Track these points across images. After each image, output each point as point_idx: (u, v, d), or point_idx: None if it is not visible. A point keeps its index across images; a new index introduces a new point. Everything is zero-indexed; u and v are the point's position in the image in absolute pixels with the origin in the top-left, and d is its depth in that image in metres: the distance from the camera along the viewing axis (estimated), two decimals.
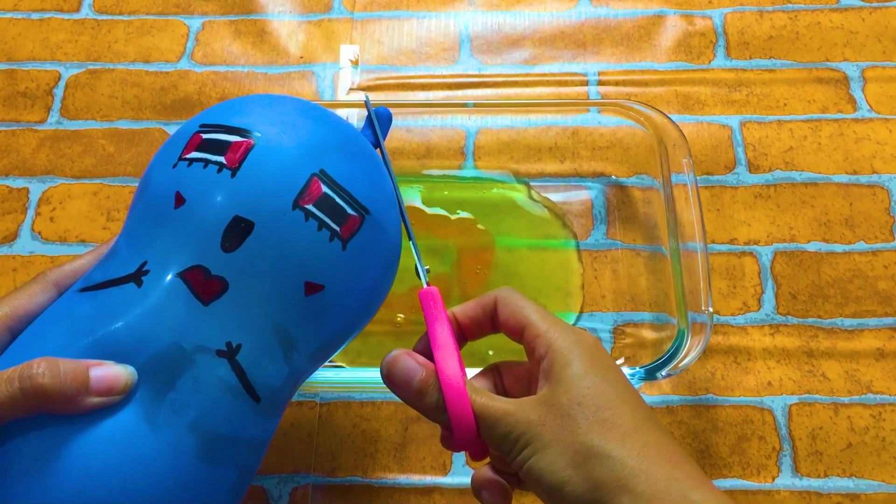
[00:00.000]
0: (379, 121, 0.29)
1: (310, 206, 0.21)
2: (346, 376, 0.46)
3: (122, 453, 0.19)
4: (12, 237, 0.53)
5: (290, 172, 0.22)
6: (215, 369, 0.21)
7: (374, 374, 0.45)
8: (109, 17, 0.62)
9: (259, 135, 0.22)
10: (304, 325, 0.23)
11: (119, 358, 0.21)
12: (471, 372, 0.45)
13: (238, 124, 0.23)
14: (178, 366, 0.20)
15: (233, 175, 0.22)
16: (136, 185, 0.54)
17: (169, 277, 0.22)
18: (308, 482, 0.45)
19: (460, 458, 0.46)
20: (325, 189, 0.22)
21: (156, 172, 0.23)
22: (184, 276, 0.22)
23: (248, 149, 0.22)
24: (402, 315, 0.49)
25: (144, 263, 0.22)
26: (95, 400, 0.22)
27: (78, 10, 0.62)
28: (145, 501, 0.19)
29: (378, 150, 0.28)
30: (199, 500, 0.20)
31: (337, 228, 0.22)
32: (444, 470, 0.46)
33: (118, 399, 0.21)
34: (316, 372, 0.44)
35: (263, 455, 0.23)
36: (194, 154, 0.22)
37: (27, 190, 0.55)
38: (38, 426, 0.20)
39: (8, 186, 0.55)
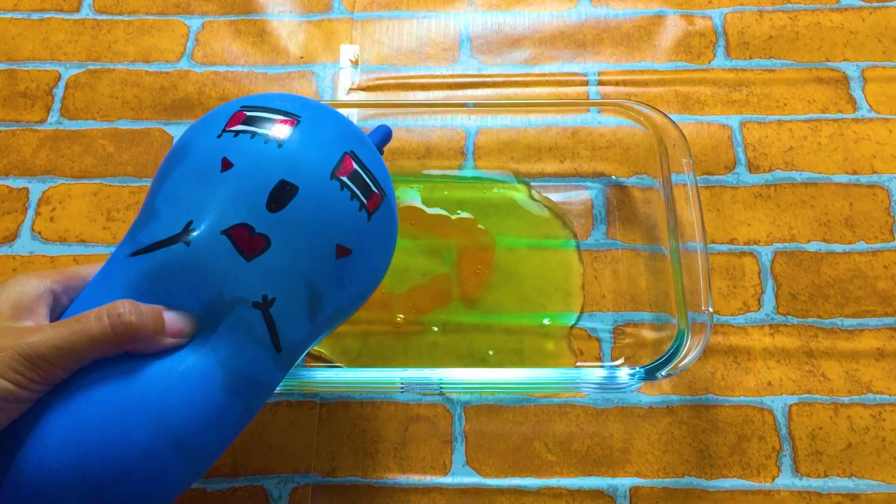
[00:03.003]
0: (379, 134, 0.31)
1: (344, 178, 0.24)
2: (346, 376, 0.46)
3: (178, 383, 0.23)
4: (12, 237, 0.53)
5: (328, 148, 0.25)
6: (249, 319, 0.24)
7: (374, 375, 0.45)
8: (109, 17, 0.62)
9: (300, 116, 0.25)
10: (332, 285, 0.25)
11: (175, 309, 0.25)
12: (468, 373, 0.45)
13: (279, 107, 0.25)
14: (218, 314, 0.24)
15: (279, 146, 0.24)
16: (136, 184, 0.54)
17: (215, 235, 0.24)
18: (308, 482, 0.45)
19: (460, 457, 0.46)
20: (355, 166, 0.25)
21: (199, 141, 0.25)
22: (229, 232, 0.24)
23: (293, 125, 0.24)
24: (402, 315, 0.49)
25: (190, 223, 0.24)
26: (169, 340, 0.25)
27: (78, 10, 0.62)
28: (185, 420, 0.23)
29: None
30: (216, 422, 0.24)
31: (365, 201, 0.25)
32: (444, 470, 0.46)
33: (184, 341, 0.25)
34: (316, 372, 0.44)
35: (265, 401, 0.27)
36: (240, 127, 0.24)
37: (27, 190, 0.55)
38: (117, 363, 0.24)
39: (8, 186, 0.55)
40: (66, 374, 0.27)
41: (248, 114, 0.25)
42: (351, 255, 0.24)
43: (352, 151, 0.25)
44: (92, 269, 0.29)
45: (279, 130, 0.24)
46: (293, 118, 0.24)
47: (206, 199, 0.24)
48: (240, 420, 0.26)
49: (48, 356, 0.26)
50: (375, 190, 0.25)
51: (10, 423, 0.26)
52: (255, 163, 0.24)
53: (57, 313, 0.29)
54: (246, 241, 0.24)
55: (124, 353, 0.26)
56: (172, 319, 0.26)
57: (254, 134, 0.24)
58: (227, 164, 0.24)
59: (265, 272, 0.24)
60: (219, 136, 0.25)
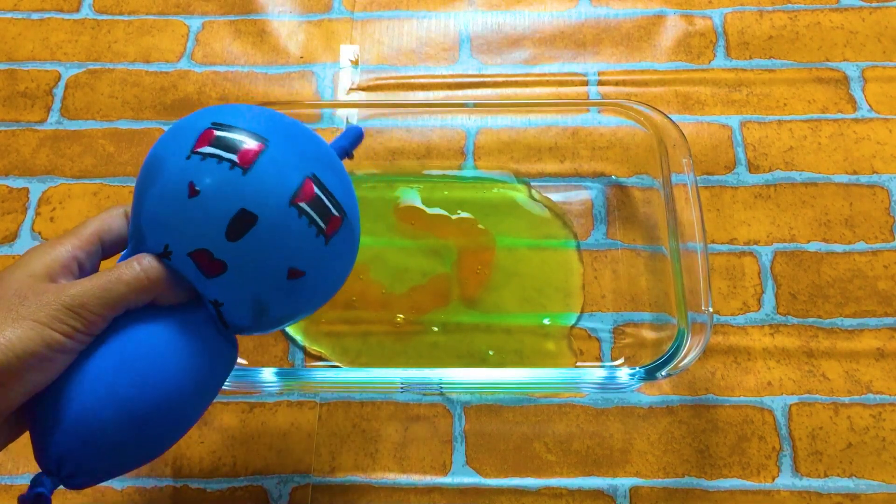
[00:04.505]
0: (350, 136, 0.33)
1: (303, 204, 0.26)
2: (346, 376, 0.46)
3: (188, 331, 0.29)
4: (12, 237, 0.53)
5: (291, 173, 0.26)
6: (209, 307, 0.29)
7: (374, 375, 0.45)
8: (109, 17, 0.62)
9: (268, 139, 0.26)
10: (280, 301, 0.29)
11: None
12: (468, 373, 0.45)
13: (249, 128, 0.27)
14: (195, 300, 0.30)
15: (244, 173, 0.26)
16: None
17: (183, 256, 0.28)
18: (308, 482, 0.45)
19: (460, 457, 0.46)
20: (316, 190, 0.26)
21: (170, 162, 0.27)
22: (193, 255, 0.28)
23: (260, 151, 0.26)
24: (402, 315, 0.49)
25: (167, 245, 0.28)
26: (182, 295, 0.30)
27: (78, 10, 0.62)
28: (198, 359, 0.29)
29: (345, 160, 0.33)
30: (215, 363, 0.30)
31: (323, 226, 0.27)
32: (444, 470, 0.46)
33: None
34: (316, 372, 0.44)
35: (227, 370, 0.31)
36: (207, 149, 0.26)
37: (27, 190, 0.55)
38: (140, 321, 0.28)
39: (8, 186, 0.55)
40: (105, 323, 0.29)
41: (217, 133, 0.27)
42: (305, 276, 0.28)
43: (314, 175, 0.26)
44: (103, 224, 0.32)
45: (244, 156, 0.26)
46: (260, 141, 0.26)
47: (177, 224, 0.28)
48: (226, 362, 0.31)
49: (90, 304, 0.28)
50: (336, 213, 0.27)
51: (58, 375, 0.29)
52: (219, 191, 0.26)
53: (82, 277, 0.32)
54: (206, 264, 0.28)
55: (144, 311, 0.29)
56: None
57: (220, 159, 0.26)
58: (193, 191, 0.26)
59: (220, 287, 0.28)
60: (188, 158, 0.27)
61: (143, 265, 0.30)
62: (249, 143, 0.26)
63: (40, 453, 0.28)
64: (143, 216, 0.29)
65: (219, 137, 0.26)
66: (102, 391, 0.28)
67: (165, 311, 0.29)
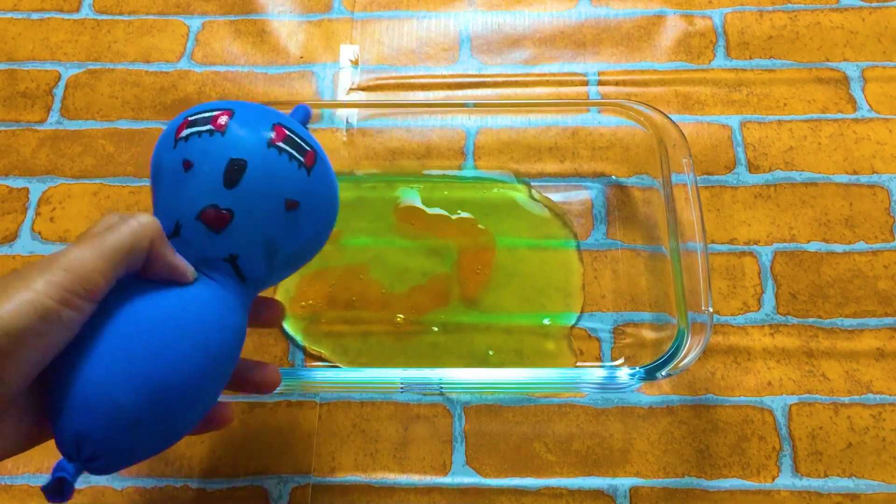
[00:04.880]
0: (300, 113, 0.36)
1: (280, 143, 0.29)
2: (346, 376, 0.46)
3: (193, 303, 0.30)
4: (12, 237, 0.53)
5: (261, 124, 0.30)
6: (224, 267, 0.31)
7: (374, 374, 0.45)
8: (109, 17, 0.62)
9: (233, 108, 0.30)
10: (285, 234, 0.30)
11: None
12: (468, 373, 0.45)
13: (213, 106, 0.31)
14: (203, 265, 0.31)
15: (223, 134, 0.29)
16: (136, 184, 0.54)
17: (192, 222, 0.30)
18: (308, 482, 0.45)
19: (460, 457, 0.46)
20: (286, 132, 0.30)
21: (163, 158, 0.31)
22: (201, 217, 0.30)
23: (230, 115, 0.30)
24: (402, 315, 0.49)
25: (177, 221, 0.31)
26: (179, 261, 0.30)
27: (78, 10, 0.62)
28: (207, 330, 0.30)
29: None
30: (226, 335, 0.30)
31: (302, 159, 0.30)
32: (444, 470, 0.46)
33: (190, 279, 0.30)
34: (316, 372, 0.44)
35: (239, 342, 0.32)
36: (186, 132, 0.30)
37: (27, 190, 0.55)
38: (142, 293, 0.29)
39: (8, 186, 0.55)
40: (106, 285, 0.28)
41: (191, 119, 0.30)
42: (299, 206, 0.30)
43: (279, 122, 0.30)
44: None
45: (216, 122, 0.29)
46: (227, 109, 0.30)
47: (181, 198, 0.30)
48: (237, 335, 0.31)
49: (86, 263, 0.27)
50: (308, 148, 0.30)
51: (58, 351, 0.27)
52: (207, 153, 0.30)
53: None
54: (214, 218, 0.30)
55: (152, 286, 0.30)
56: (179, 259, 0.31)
57: (200, 133, 0.30)
58: (188, 165, 0.30)
59: (231, 238, 0.30)
60: (174, 147, 0.30)
61: (133, 218, 0.29)
62: (219, 113, 0.30)
63: (58, 438, 0.28)
64: (157, 209, 0.32)
65: (193, 121, 0.30)
66: (114, 365, 0.27)
67: (173, 287, 0.30)
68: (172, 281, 0.30)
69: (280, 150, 0.29)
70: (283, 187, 0.30)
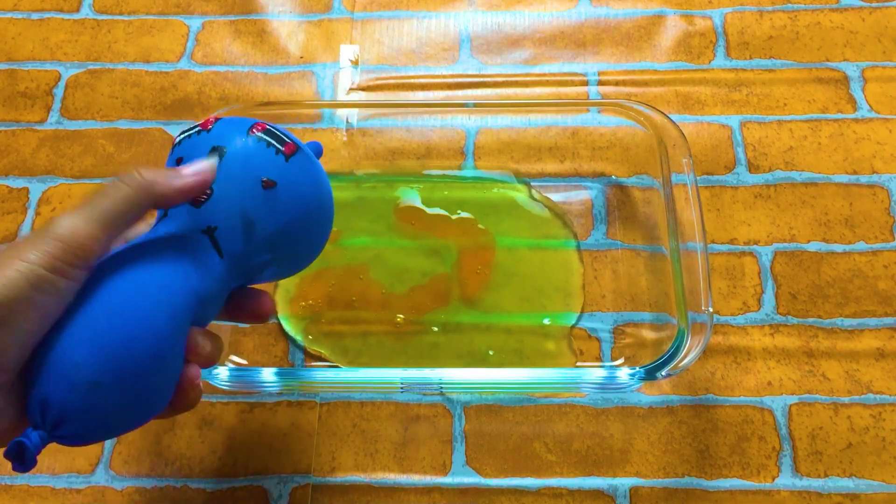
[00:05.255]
0: (313, 147, 0.37)
1: (259, 133, 0.32)
2: (346, 376, 0.46)
3: (170, 275, 0.30)
4: (12, 237, 0.53)
5: (244, 122, 0.32)
6: (202, 240, 0.32)
7: (374, 374, 0.45)
8: (109, 17, 0.62)
9: (221, 114, 0.33)
10: (262, 211, 0.32)
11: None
12: (468, 373, 0.45)
13: (201, 121, 0.33)
14: (184, 238, 0.32)
15: (208, 131, 0.32)
16: None
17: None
18: (308, 482, 0.45)
19: (460, 457, 0.46)
20: (268, 125, 0.32)
21: (168, 160, 0.33)
22: None
23: (216, 118, 0.32)
24: (402, 315, 0.49)
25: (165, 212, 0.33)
26: (189, 179, 0.30)
27: (78, 10, 0.62)
28: (183, 304, 0.30)
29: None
30: (203, 306, 0.32)
31: (280, 147, 0.32)
32: (444, 470, 0.46)
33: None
34: (316, 372, 0.44)
35: (220, 302, 0.34)
36: (180, 137, 0.32)
37: (27, 190, 0.55)
38: (122, 269, 0.29)
39: (8, 186, 0.55)
40: (101, 251, 0.28)
41: (183, 133, 0.33)
42: (276, 186, 0.31)
43: (259, 123, 0.32)
44: None
45: (204, 125, 0.32)
46: (214, 116, 0.33)
47: None
48: (204, 302, 0.32)
49: (81, 231, 0.27)
50: (289, 140, 0.32)
51: (54, 321, 0.27)
52: (194, 147, 0.32)
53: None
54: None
55: (128, 254, 0.30)
56: (189, 168, 0.32)
57: (190, 134, 0.33)
58: (179, 161, 0.32)
59: (210, 211, 0.32)
60: (171, 152, 0.34)
61: (126, 180, 0.29)
62: (205, 122, 0.33)
63: (27, 402, 0.27)
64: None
65: (184, 133, 0.33)
66: (74, 327, 0.27)
67: (141, 253, 0.30)
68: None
69: (259, 138, 0.31)
70: (259, 168, 0.31)
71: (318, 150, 0.38)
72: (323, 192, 0.34)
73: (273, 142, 0.32)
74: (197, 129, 0.32)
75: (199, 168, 0.31)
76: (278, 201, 0.32)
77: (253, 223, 0.32)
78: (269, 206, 0.31)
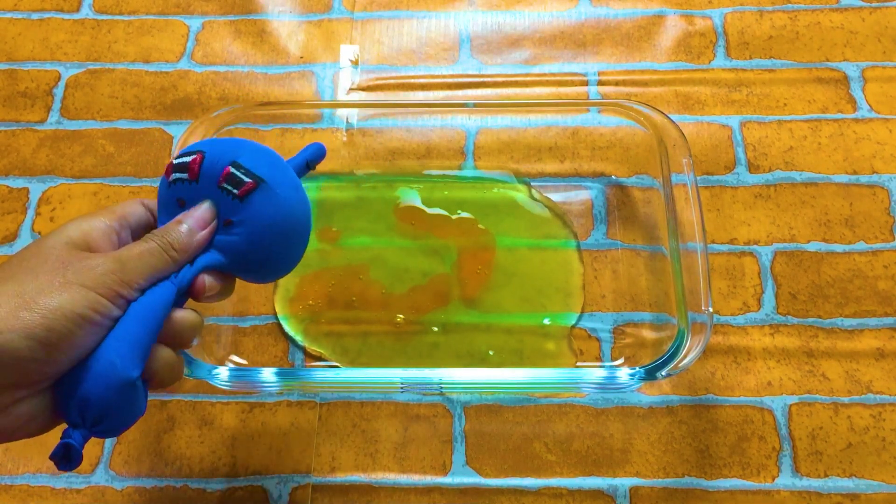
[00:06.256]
0: (310, 149, 0.39)
1: (223, 184, 0.35)
2: (346, 376, 0.46)
3: (165, 288, 0.33)
4: (12, 237, 0.53)
5: (217, 169, 0.35)
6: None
7: (374, 374, 0.45)
8: (109, 17, 0.62)
9: (204, 150, 0.36)
10: (224, 241, 0.35)
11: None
12: (468, 373, 0.45)
13: (190, 150, 0.36)
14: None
15: (197, 181, 0.35)
16: (136, 184, 0.55)
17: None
18: (308, 482, 0.45)
19: (460, 457, 0.46)
20: (231, 170, 0.35)
21: (163, 192, 0.37)
22: None
23: (199, 162, 0.35)
24: (402, 315, 0.49)
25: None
26: (200, 236, 0.34)
27: (78, 10, 0.62)
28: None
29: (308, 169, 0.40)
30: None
31: (235, 192, 0.35)
32: (444, 470, 0.46)
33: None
34: (316, 372, 0.44)
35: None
36: (175, 175, 0.36)
37: (27, 190, 0.55)
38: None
39: (8, 186, 0.55)
40: (142, 289, 0.31)
41: (174, 162, 0.36)
42: (233, 223, 0.35)
43: (233, 162, 0.35)
44: (126, 208, 0.36)
45: (193, 171, 0.35)
46: (198, 155, 0.36)
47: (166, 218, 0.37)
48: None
49: (133, 270, 0.31)
50: (248, 180, 0.35)
51: (102, 340, 0.30)
52: (191, 197, 0.36)
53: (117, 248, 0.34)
54: None
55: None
56: (192, 216, 0.35)
57: (183, 180, 0.36)
58: (182, 203, 0.36)
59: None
60: (168, 187, 0.36)
61: (157, 237, 0.33)
62: (192, 160, 0.35)
63: (63, 408, 0.30)
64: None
65: (175, 165, 0.36)
66: (115, 333, 0.31)
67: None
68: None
69: (223, 189, 0.35)
70: (223, 213, 0.35)
71: (317, 152, 0.40)
72: (287, 218, 0.36)
73: (232, 189, 0.35)
74: (186, 175, 0.36)
75: (205, 221, 0.35)
76: (235, 232, 0.35)
77: (221, 249, 0.36)
78: (230, 236, 0.35)
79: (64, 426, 0.30)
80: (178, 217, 0.35)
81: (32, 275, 0.29)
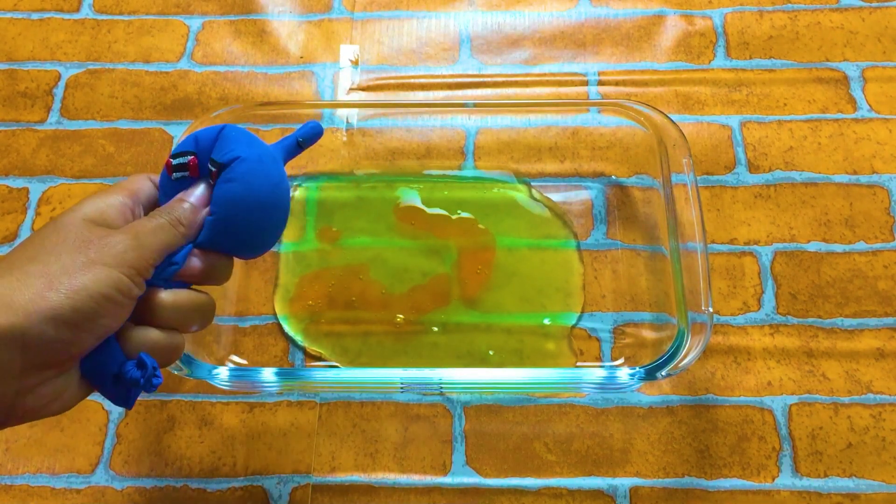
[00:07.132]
0: (305, 128, 0.39)
1: (209, 180, 0.36)
2: (346, 376, 0.46)
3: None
4: (12, 237, 0.53)
5: (205, 167, 0.36)
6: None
7: (374, 375, 0.45)
8: (109, 17, 0.62)
9: (196, 153, 0.36)
10: (207, 226, 0.36)
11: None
12: (468, 373, 0.45)
13: (181, 148, 0.37)
14: None
15: (197, 179, 0.36)
16: None
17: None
18: (308, 482, 0.45)
19: (460, 457, 0.46)
20: (209, 167, 0.36)
21: (164, 183, 0.37)
22: None
23: (196, 163, 0.36)
24: (402, 315, 0.49)
25: None
26: (203, 213, 0.35)
27: (78, 10, 0.62)
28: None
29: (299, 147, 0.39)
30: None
31: (210, 181, 0.36)
32: (444, 470, 0.46)
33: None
34: (316, 372, 0.44)
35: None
36: (176, 174, 0.36)
37: (27, 190, 0.55)
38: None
39: (8, 186, 0.55)
40: (151, 270, 0.32)
41: (173, 162, 0.36)
42: (210, 211, 0.36)
43: (210, 159, 0.36)
44: (134, 184, 0.36)
45: (192, 169, 0.36)
46: (191, 157, 0.36)
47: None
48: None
49: (150, 255, 0.31)
50: (213, 168, 0.35)
51: (125, 321, 0.31)
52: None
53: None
54: None
55: None
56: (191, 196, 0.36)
57: (183, 178, 0.36)
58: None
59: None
60: (171, 180, 0.37)
61: (165, 214, 0.33)
62: (190, 160, 0.36)
63: (120, 370, 0.31)
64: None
65: (174, 165, 0.36)
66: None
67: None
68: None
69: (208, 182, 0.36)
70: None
71: (311, 131, 0.39)
72: (252, 190, 0.36)
73: (207, 178, 0.36)
74: (186, 174, 0.36)
75: (205, 199, 0.36)
76: (213, 213, 0.36)
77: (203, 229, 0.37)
78: (208, 219, 0.36)
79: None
80: (179, 195, 0.35)
81: (55, 255, 0.29)
